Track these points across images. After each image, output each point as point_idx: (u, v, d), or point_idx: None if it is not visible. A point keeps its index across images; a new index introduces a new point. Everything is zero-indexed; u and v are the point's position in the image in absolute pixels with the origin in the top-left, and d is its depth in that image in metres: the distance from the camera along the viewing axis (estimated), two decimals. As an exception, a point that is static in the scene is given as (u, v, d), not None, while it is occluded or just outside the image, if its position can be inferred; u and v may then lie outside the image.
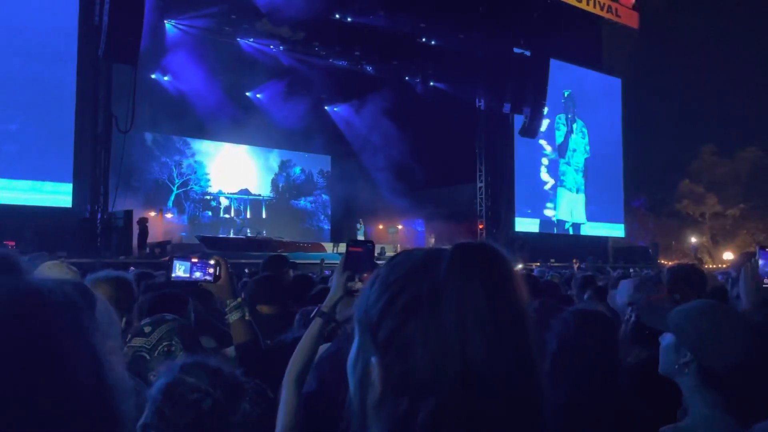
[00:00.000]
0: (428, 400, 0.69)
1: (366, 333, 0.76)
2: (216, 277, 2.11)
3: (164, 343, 1.79)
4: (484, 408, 0.69)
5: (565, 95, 24.36)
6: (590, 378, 1.79)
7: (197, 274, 2.09)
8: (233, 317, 2.11)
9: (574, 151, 24.91)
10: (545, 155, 23.93)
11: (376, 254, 2.30)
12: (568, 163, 24.78)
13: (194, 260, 2.12)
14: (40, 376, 0.54)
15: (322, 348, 1.83)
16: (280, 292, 2.88)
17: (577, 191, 25.00)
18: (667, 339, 1.65)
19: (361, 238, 20.63)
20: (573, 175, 24.85)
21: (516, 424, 0.71)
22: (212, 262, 2.12)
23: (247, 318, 2.11)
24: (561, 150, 24.56)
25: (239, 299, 2.14)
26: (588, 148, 25.50)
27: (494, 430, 0.70)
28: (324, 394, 1.63)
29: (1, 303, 0.56)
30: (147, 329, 1.84)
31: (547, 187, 23.85)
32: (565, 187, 24.59)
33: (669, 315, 1.66)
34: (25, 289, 0.58)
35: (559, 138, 24.40)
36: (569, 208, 24.30)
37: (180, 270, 2.08)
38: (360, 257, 1.81)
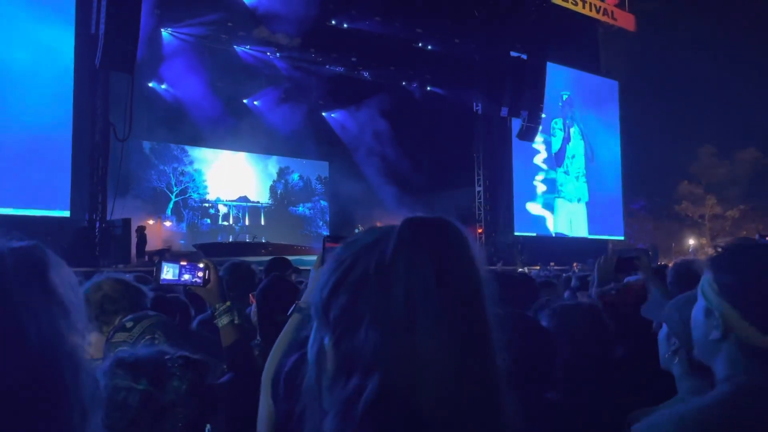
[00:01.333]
0: (374, 377, 0.67)
1: (319, 313, 0.74)
2: (205, 281, 2.06)
3: (146, 337, 1.76)
4: (430, 383, 0.66)
5: (564, 98, 24.31)
6: (583, 369, 1.79)
7: (186, 277, 2.05)
8: (222, 321, 2.06)
9: (573, 157, 24.72)
10: (539, 167, 23.65)
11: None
12: (566, 172, 24.57)
13: (183, 263, 2.08)
14: None
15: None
16: (294, 298, 2.89)
17: (578, 200, 24.65)
18: (662, 330, 1.64)
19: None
20: (573, 184, 24.60)
21: (463, 401, 0.67)
22: (201, 265, 2.07)
23: (236, 322, 2.08)
24: (558, 158, 24.31)
25: (228, 303, 2.09)
26: (591, 151, 25.39)
27: (440, 406, 0.67)
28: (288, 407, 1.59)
29: None
30: (129, 324, 1.81)
31: (540, 201, 23.53)
32: (564, 198, 24.33)
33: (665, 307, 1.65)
34: None
35: (556, 145, 24.21)
36: (568, 220, 24.02)
37: (168, 273, 2.05)
38: None
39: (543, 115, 19.89)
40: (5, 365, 0.52)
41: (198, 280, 2.06)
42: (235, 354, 2.05)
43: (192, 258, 2.14)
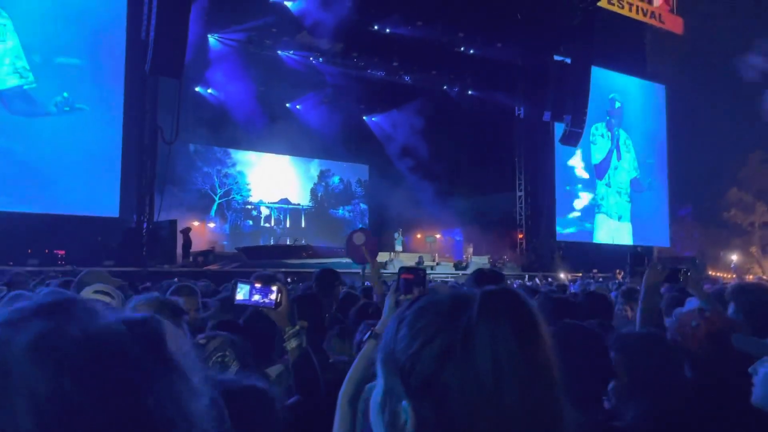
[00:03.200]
0: None
1: (395, 377, 0.76)
2: (277, 304, 2.12)
3: (218, 354, 1.83)
4: None
5: (616, 106, 23.65)
6: (660, 399, 1.76)
7: (257, 297, 2.11)
8: (291, 344, 2.13)
9: (616, 169, 23.96)
10: (577, 176, 23.02)
11: (414, 263, 2.32)
12: (608, 185, 23.73)
13: (257, 285, 2.13)
14: (112, 422, 0.54)
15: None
16: (313, 308, 2.95)
17: (620, 219, 23.69)
18: (766, 366, 1.57)
19: (399, 248, 20.64)
20: (615, 199, 23.68)
21: None
22: (274, 288, 2.13)
23: (304, 345, 2.13)
24: (599, 170, 23.52)
25: (298, 326, 2.15)
26: (636, 164, 24.52)
27: None
28: None
29: (74, 350, 0.55)
30: (202, 341, 1.88)
31: (577, 215, 22.94)
32: (605, 214, 23.49)
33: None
34: (97, 335, 0.57)
35: (597, 153, 23.42)
36: (610, 237, 23.21)
37: (241, 293, 2.10)
38: (412, 284, 1.85)
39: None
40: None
41: (270, 302, 2.12)
42: (302, 376, 2.10)
43: (266, 281, 2.19)
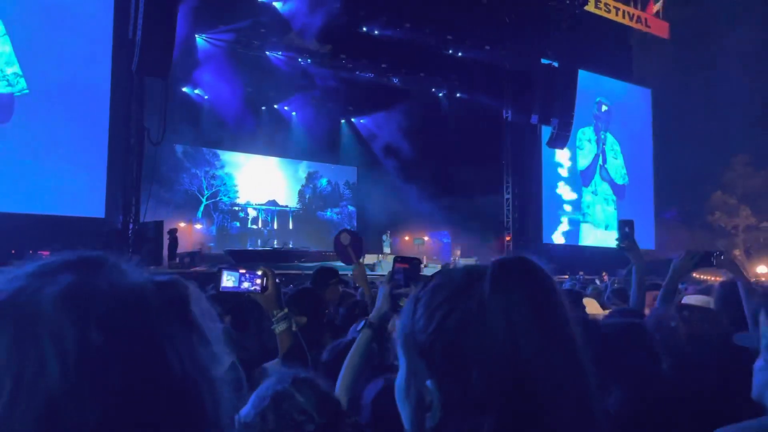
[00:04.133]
0: (489, 417, 0.70)
1: (417, 358, 0.77)
2: (263, 288, 2.12)
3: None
4: (543, 417, 0.71)
5: (603, 109, 23.71)
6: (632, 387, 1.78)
7: (245, 285, 2.11)
8: (280, 328, 2.13)
9: (603, 176, 23.90)
10: (562, 180, 22.96)
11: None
12: (594, 192, 23.74)
13: (242, 271, 2.13)
14: (136, 375, 0.55)
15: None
16: (311, 303, 2.91)
17: (606, 227, 23.57)
18: (762, 357, 1.58)
19: (387, 249, 20.65)
20: (602, 207, 23.73)
21: (575, 427, 0.73)
22: (260, 273, 2.13)
23: (294, 329, 2.14)
24: (585, 176, 23.52)
25: (286, 310, 2.15)
26: (624, 171, 24.50)
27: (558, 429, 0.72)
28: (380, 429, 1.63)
29: (102, 303, 0.57)
30: None
31: (564, 227, 22.91)
32: (591, 223, 23.46)
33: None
34: (126, 292, 0.59)
35: (583, 159, 23.42)
36: (596, 243, 23.21)
37: (229, 281, 2.10)
38: (407, 273, 1.86)
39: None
40: (151, 393, 0.56)
41: (257, 288, 2.11)
42: (291, 360, 2.10)
43: (251, 266, 2.20)
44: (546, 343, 0.73)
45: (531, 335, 0.72)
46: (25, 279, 0.57)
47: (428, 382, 0.75)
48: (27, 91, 13.50)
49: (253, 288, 2.12)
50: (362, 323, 1.89)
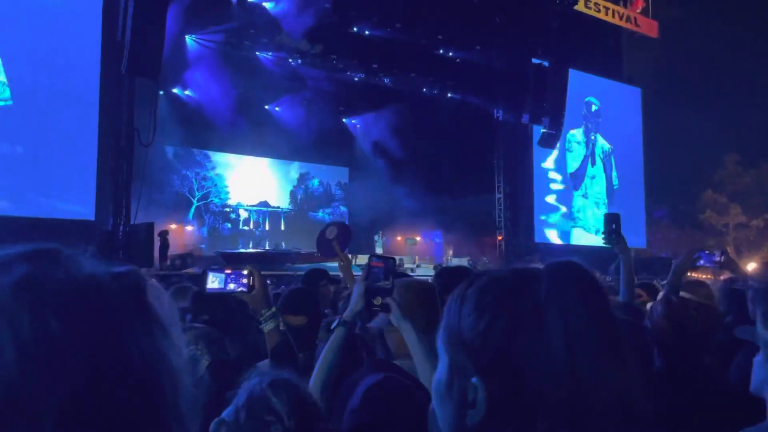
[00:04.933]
0: (538, 423, 0.71)
1: (463, 355, 0.77)
2: (250, 287, 2.09)
3: (189, 348, 1.79)
4: (595, 428, 0.71)
5: (592, 109, 23.77)
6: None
7: (231, 286, 2.08)
8: (268, 326, 2.11)
9: (593, 178, 24.06)
10: (553, 185, 22.92)
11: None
12: (584, 196, 23.81)
13: (228, 271, 2.10)
14: (93, 361, 0.55)
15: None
16: (309, 304, 2.89)
17: (597, 232, 23.29)
18: (763, 351, 1.59)
19: (379, 250, 20.65)
20: (592, 211, 23.81)
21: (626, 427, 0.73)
22: (245, 272, 2.10)
23: (281, 328, 2.12)
24: (575, 179, 23.54)
25: (273, 308, 2.13)
26: (615, 174, 24.54)
27: None
28: (382, 426, 1.63)
29: (58, 291, 0.57)
30: None
31: (555, 227, 22.92)
32: (582, 228, 23.48)
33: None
34: (83, 281, 0.59)
35: (573, 163, 23.47)
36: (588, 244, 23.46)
37: (214, 282, 2.07)
38: (380, 272, 1.87)
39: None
40: (109, 379, 0.56)
41: (243, 288, 2.08)
42: (279, 358, 2.08)
43: (236, 266, 2.17)
44: (601, 351, 0.73)
45: (587, 342, 0.72)
46: None
47: (474, 380, 0.75)
48: (10, 102, 13.36)
49: (239, 288, 2.09)
50: (336, 321, 1.89)
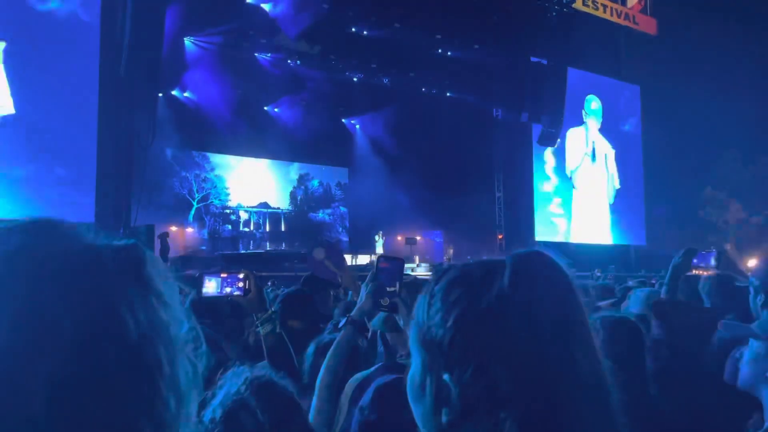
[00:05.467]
0: (513, 412, 0.70)
1: (434, 352, 0.76)
2: (246, 291, 2.08)
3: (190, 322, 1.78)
4: (564, 415, 0.71)
5: (592, 107, 23.69)
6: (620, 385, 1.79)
7: (227, 290, 2.07)
8: (265, 329, 2.10)
9: (593, 176, 23.92)
10: (553, 183, 22.86)
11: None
12: (584, 194, 23.66)
13: (223, 275, 2.10)
14: (87, 330, 0.56)
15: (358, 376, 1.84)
16: (307, 307, 2.88)
17: (598, 225, 23.60)
18: (751, 347, 1.60)
19: (380, 249, 20.65)
20: (592, 209, 23.50)
21: (595, 424, 0.73)
22: (241, 276, 2.09)
23: (278, 330, 2.12)
24: (575, 177, 23.24)
25: (270, 311, 2.13)
26: (616, 171, 24.48)
27: (580, 425, 0.71)
28: (389, 425, 1.65)
29: (53, 261, 0.58)
30: None
31: (555, 226, 22.90)
32: (582, 226, 23.20)
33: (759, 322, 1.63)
34: (80, 251, 0.60)
35: (573, 159, 23.27)
36: (589, 240, 23.36)
37: (210, 286, 2.07)
38: (389, 272, 1.88)
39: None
40: (104, 348, 0.56)
41: (239, 291, 2.08)
42: (276, 360, 2.09)
43: (232, 269, 2.16)
44: (567, 339, 0.72)
45: (553, 331, 0.72)
46: None
47: (445, 377, 0.74)
48: (14, 111, 13.39)
49: (235, 292, 2.08)
50: (344, 320, 1.90)
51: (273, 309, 2.14)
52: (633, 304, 3.35)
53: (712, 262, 3.05)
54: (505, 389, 0.70)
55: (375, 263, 1.92)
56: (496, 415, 0.70)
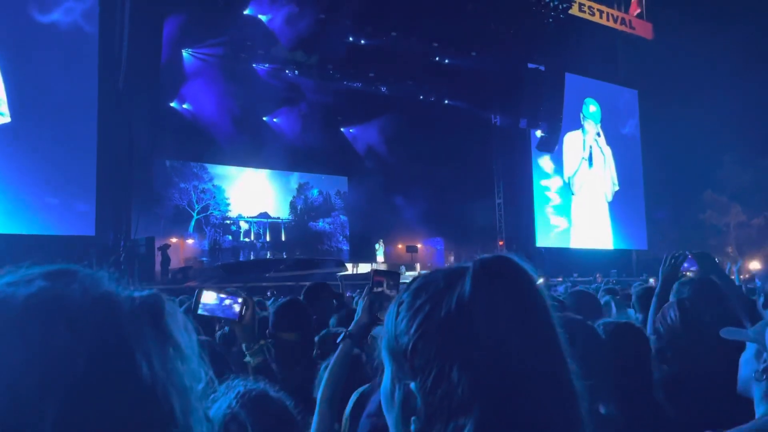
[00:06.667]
0: (473, 415, 0.69)
1: (400, 361, 0.76)
2: (241, 317, 2.00)
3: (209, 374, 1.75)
4: (528, 414, 0.70)
5: (590, 112, 23.73)
6: (625, 390, 1.79)
7: (223, 311, 2.00)
8: (256, 360, 2.02)
9: (593, 181, 23.97)
10: (552, 189, 22.88)
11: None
12: (584, 198, 23.74)
13: (222, 295, 2.02)
14: (99, 372, 0.57)
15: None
16: (302, 319, 2.84)
17: (597, 229, 23.67)
18: (748, 351, 1.61)
19: (380, 258, 20.65)
20: (592, 213, 23.60)
21: (558, 426, 0.71)
22: (240, 300, 2.02)
23: (269, 361, 2.04)
24: (574, 182, 23.32)
25: (263, 342, 2.04)
26: (615, 175, 24.50)
27: (541, 427, 0.70)
28: None
29: (71, 305, 0.59)
30: None
31: (555, 231, 22.90)
32: (582, 230, 23.26)
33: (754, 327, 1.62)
34: (97, 298, 0.61)
35: (571, 165, 23.44)
36: (590, 244, 23.49)
37: (207, 304, 1.98)
38: (384, 286, 1.87)
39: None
40: (114, 391, 0.57)
41: (233, 314, 2.01)
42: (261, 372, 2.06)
43: (232, 292, 2.08)
44: (528, 343, 0.71)
45: (513, 335, 0.71)
46: (3, 286, 0.60)
47: (412, 385, 0.73)
48: (9, 120, 13.42)
49: (229, 315, 1.99)
50: (342, 335, 1.89)
51: (264, 342, 2.06)
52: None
53: (696, 266, 3.04)
54: (465, 395, 0.70)
55: (370, 276, 1.91)
56: (456, 422, 0.69)
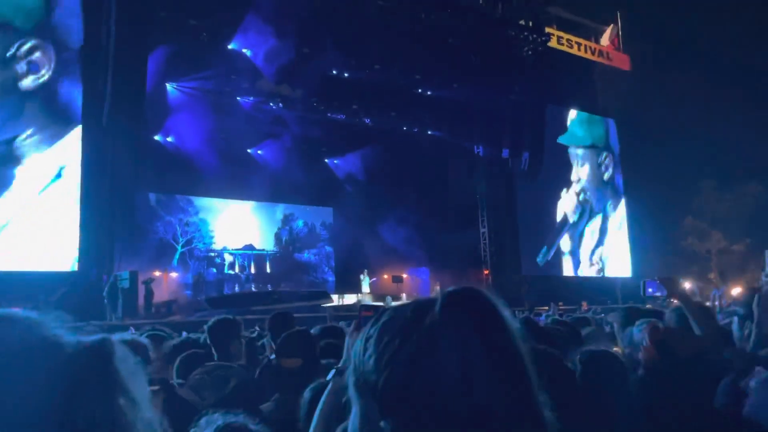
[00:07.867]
0: None
1: (369, 399, 0.73)
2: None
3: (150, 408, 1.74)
4: None
5: (570, 143, 24.05)
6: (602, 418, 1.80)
7: None
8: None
9: (580, 212, 24.45)
10: (537, 219, 23.47)
11: (383, 303, 2.33)
12: (571, 228, 24.27)
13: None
14: (30, 418, 0.56)
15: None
16: (304, 345, 2.83)
17: (590, 262, 24.42)
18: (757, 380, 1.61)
19: (366, 289, 20.55)
20: (578, 242, 24.20)
21: None
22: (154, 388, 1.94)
23: None
24: (562, 222, 23.83)
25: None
26: (598, 205, 24.85)
27: None
28: None
29: (6, 356, 0.59)
30: (154, 389, 1.80)
31: (544, 268, 23.23)
32: (571, 256, 23.89)
33: None
34: (34, 342, 0.61)
35: (559, 208, 23.84)
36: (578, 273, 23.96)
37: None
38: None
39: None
40: None
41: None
42: None
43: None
44: (495, 375, 0.70)
45: (482, 368, 0.70)
46: None
47: (383, 424, 0.72)
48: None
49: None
50: (332, 372, 1.88)
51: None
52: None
53: (663, 290, 3.06)
54: (434, 429, 0.68)
55: (358, 312, 1.91)
56: None
